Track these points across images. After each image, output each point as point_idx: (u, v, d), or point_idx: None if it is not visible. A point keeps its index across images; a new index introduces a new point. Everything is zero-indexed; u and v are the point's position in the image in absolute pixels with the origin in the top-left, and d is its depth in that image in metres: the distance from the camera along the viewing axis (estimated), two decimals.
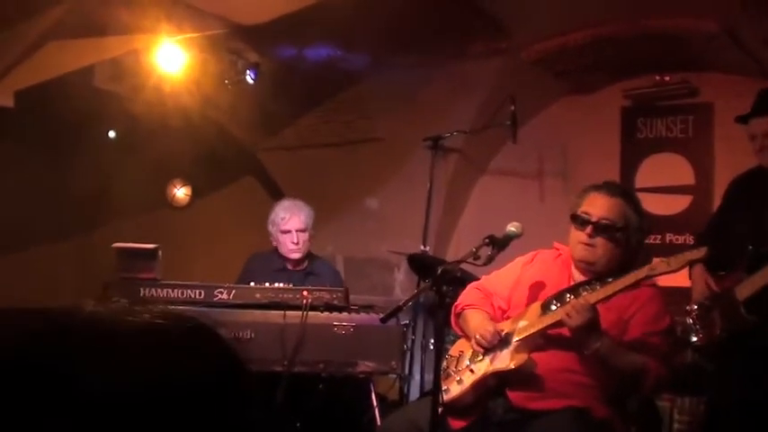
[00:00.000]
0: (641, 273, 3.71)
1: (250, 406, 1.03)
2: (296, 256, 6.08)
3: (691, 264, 3.80)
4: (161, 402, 0.93)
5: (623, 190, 4.18)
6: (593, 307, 3.66)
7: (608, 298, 3.75)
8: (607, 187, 4.08)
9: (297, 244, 6.04)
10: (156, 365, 0.95)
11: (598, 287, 3.81)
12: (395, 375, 5.71)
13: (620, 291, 3.75)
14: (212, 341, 1.03)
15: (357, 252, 8.50)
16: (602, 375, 3.80)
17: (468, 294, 4.31)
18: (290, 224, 6.04)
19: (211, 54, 6.72)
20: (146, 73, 6.70)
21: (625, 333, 3.84)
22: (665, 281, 4.08)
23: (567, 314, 3.67)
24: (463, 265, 4.30)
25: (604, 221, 3.96)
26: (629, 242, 4.01)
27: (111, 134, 8.73)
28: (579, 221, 4.01)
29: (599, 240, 3.96)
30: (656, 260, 3.72)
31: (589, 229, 3.95)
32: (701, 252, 3.72)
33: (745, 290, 4.74)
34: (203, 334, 1.03)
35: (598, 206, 3.99)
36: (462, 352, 4.13)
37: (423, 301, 6.76)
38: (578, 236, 4.00)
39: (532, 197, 8.14)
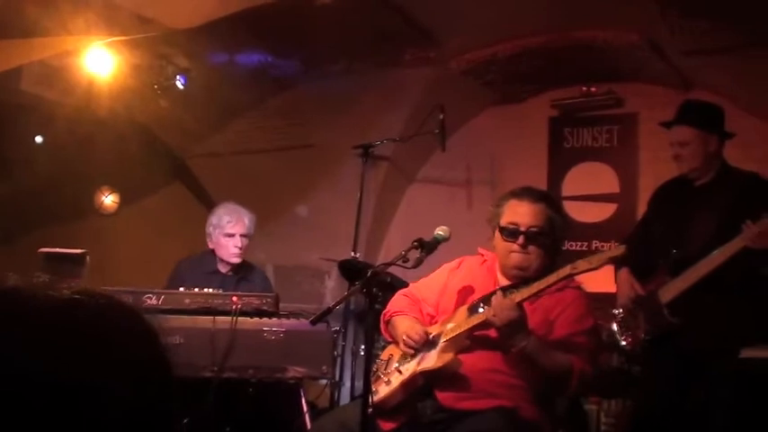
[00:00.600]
0: (564, 271, 3.78)
1: (169, 385, 1.05)
2: (236, 260, 6.12)
3: (611, 261, 3.86)
4: (78, 376, 0.94)
5: (543, 194, 4.23)
6: (518, 305, 3.72)
7: (533, 296, 3.81)
8: (527, 193, 4.12)
9: (240, 248, 6.07)
10: (74, 340, 0.96)
11: (523, 289, 3.87)
12: (325, 381, 5.72)
13: (545, 289, 3.81)
14: (131, 318, 1.05)
15: (288, 260, 8.50)
16: (529, 375, 3.85)
17: (396, 301, 4.35)
18: (236, 228, 6.07)
19: (141, 59, 6.67)
20: (75, 76, 6.62)
21: (551, 333, 3.90)
22: (591, 287, 4.16)
23: (494, 313, 3.72)
24: (393, 271, 4.34)
25: (534, 229, 4.01)
26: (555, 244, 4.09)
27: (39, 139, 8.60)
28: (508, 233, 4.04)
29: (531, 248, 4.01)
30: (578, 260, 3.79)
31: (521, 239, 3.99)
32: (620, 249, 3.80)
33: (668, 293, 4.88)
34: (122, 311, 1.04)
35: (523, 214, 4.03)
36: (392, 355, 4.16)
37: (353, 308, 6.78)
38: (509, 246, 4.04)
39: (461, 205, 8.22)
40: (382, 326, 4.30)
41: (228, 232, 6.07)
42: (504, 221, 4.07)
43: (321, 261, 7.61)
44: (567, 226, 4.22)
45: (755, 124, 6.75)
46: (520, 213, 4.04)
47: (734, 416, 4.70)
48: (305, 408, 5.29)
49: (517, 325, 3.72)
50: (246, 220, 6.13)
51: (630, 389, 5.72)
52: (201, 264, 6.19)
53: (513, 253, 4.03)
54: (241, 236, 6.08)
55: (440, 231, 4.05)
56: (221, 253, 6.11)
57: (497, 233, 4.11)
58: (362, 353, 6.07)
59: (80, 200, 9.63)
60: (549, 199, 4.21)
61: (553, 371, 3.83)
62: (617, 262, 4.67)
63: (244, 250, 6.12)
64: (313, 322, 4.20)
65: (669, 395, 4.90)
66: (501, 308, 3.71)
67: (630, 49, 6.84)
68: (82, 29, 5.94)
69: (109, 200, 9.79)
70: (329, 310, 4.06)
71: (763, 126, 6.82)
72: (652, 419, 5.01)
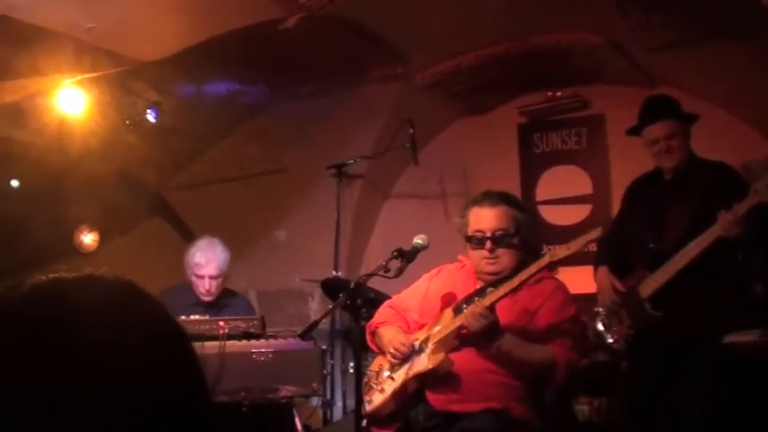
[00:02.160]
0: (543, 260, 3.86)
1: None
2: (208, 299, 6.07)
3: (588, 244, 3.93)
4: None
5: (501, 195, 4.28)
6: (489, 311, 3.79)
7: (514, 291, 3.88)
8: (486, 198, 4.20)
9: (209, 290, 6.02)
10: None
11: (499, 288, 3.94)
12: (316, 401, 5.74)
13: (525, 281, 3.88)
14: (142, 298, 1.09)
15: (270, 284, 8.52)
16: (519, 373, 3.91)
17: (381, 313, 4.42)
18: (204, 270, 5.99)
19: (112, 95, 6.67)
20: (46, 117, 6.61)
21: (533, 325, 3.97)
22: (571, 288, 4.22)
23: (467, 318, 3.79)
24: (375, 285, 4.38)
25: (499, 233, 4.09)
26: (524, 241, 4.15)
27: (15, 183, 8.57)
28: (476, 241, 4.14)
29: (500, 251, 4.09)
30: (556, 247, 3.87)
31: (488, 245, 4.08)
32: (596, 232, 3.86)
33: (648, 287, 4.94)
34: (133, 291, 1.08)
35: (486, 220, 4.12)
36: (382, 366, 4.22)
37: (338, 327, 6.81)
38: (480, 253, 4.13)
39: (437, 217, 8.24)
40: (368, 337, 4.36)
41: (198, 274, 6.02)
42: (470, 231, 4.17)
43: (303, 283, 7.64)
44: (534, 221, 4.31)
45: (721, 114, 6.84)
46: (483, 220, 4.14)
47: (721, 402, 4.75)
48: (299, 427, 5.31)
49: (490, 329, 3.79)
50: (218, 261, 6.03)
51: (619, 385, 5.76)
52: (184, 295, 6.11)
53: (484, 260, 4.12)
54: (210, 278, 6.01)
55: (419, 240, 4.10)
56: (195, 289, 6.09)
57: (467, 242, 4.20)
58: (351, 370, 6.11)
59: (59, 240, 9.59)
60: (510, 199, 4.27)
61: (534, 363, 3.90)
62: (595, 243, 4.69)
63: (215, 291, 6.05)
64: (301, 336, 4.26)
65: (656, 386, 4.95)
66: (472, 315, 3.78)
67: (593, 50, 6.91)
68: (53, 68, 5.95)
69: (89, 238, 9.75)
70: (315, 324, 4.09)
71: (726, 116, 6.92)
72: (641, 412, 5.06)
